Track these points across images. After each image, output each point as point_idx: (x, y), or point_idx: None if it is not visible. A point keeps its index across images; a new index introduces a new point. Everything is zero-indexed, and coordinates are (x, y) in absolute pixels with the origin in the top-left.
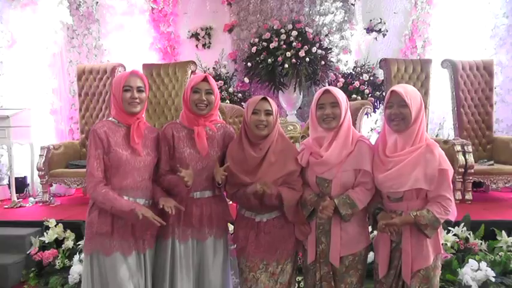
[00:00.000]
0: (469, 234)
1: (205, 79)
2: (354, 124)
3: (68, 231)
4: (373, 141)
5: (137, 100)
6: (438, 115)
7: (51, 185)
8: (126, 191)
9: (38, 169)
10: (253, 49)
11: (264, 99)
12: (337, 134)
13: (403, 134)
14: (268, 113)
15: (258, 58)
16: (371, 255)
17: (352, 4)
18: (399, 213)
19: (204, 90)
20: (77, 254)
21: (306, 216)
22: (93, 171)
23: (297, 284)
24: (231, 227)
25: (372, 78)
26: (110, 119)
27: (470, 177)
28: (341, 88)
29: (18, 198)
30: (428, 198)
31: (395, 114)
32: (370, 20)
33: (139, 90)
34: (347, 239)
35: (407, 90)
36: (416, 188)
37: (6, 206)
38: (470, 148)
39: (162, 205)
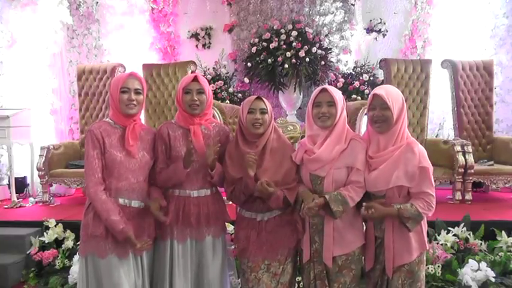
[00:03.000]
0: (469, 234)
1: (195, 79)
2: (354, 124)
3: (68, 231)
4: None
5: (134, 102)
6: (438, 115)
7: (51, 185)
8: (121, 193)
9: (38, 169)
10: (253, 49)
11: (259, 98)
12: (331, 132)
13: (385, 135)
14: (263, 111)
15: (258, 58)
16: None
17: (352, 4)
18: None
19: (195, 90)
20: (77, 254)
21: (298, 210)
22: (94, 171)
23: (296, 284)
24: (230, 227)
25: (371, 78)
26: (107, 119)
27: (470, 178)
28: (341, 88)
29: (18, 198)
30: (411, 195)
31: (377, 116)
32: (370, 20)
33: (137, 92)
34: (340, 238)
35: (389, 93)
36: (397, 186)
37: (6, 206)
38: (470, 148)
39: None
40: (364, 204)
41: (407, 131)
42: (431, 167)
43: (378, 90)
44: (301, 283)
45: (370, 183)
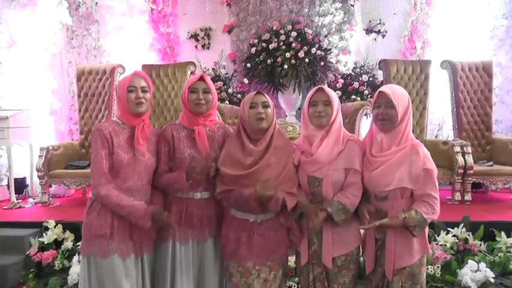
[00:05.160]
0: (469, 235)
1: (201, 78)
2: (354, 124)
3: (67, 232)
4: None
5: (142, 100)
6: (437, 116)
7: (50, 186)
8: (126, 194)
9: (37, 170)
10: (253, 50)
11: (259, 93)
12: (327, 132)
13: (389, 134)
14: (266, 105)
15: (257, 59)
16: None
17: (351, 5)
18: (384, 212)
19: (201, 89)
20: (76, 254)
21: (295, 218)
22: (103, 171)
23: (296, 285)
24: None
25: (371, 79)
26: (115, 119)
27: (470, 178)
28: (340, 89)
29: (17, 199)
30: (415, 197)
31: (382, 114)
32: (370, 21)
33: (144, 90)
34: (339, 239)
35: (395, 91)
36: (400, 188)
37: (6, 207)
38: (469, 149)
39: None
40: (363, 226)
41: (411, 132)
42: (436, 169)
43: (384, 88)
44: (299, 285)
45: (370, 182)
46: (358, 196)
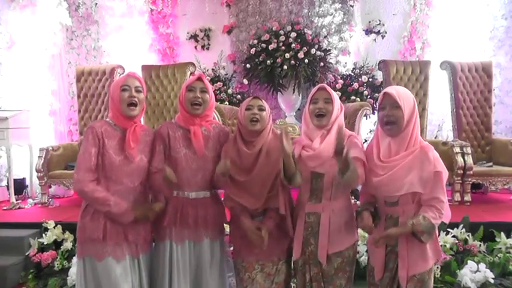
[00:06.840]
0: (468, 235)
1: (199, 78)
2: (353, 125)
3: (67, 232)
4: None
5: (135, 99)
6: (437, 117)
7: (50, 187)
8: (117, 196)
9: (37, 170)
10: (252, 50)
11: (256, 97)
12: (329, 131)
13: (397, 138)
14: (261, 108)
15: (257, 59)
16: (363, 259)
17: (351, 6)
18: (395, 217)
19: (199, 88)
20: (76, 255)
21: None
22: (90, 167)
23: (293, 285)
24: (227, 228)
25: (370, 79)
26: (107, 119)
27: (469, 179)
28: (340, 89)
29: (17, 200)
30: (422, 201)
31: (388, 116)
32: (369, 22)
33: (138, 90)
34: (334, 236)
35: (400, 92)
36: (411, 192)
37: (5, 208)
38: (469, 150)
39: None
40: (377, 238)
41: (419, 135)
42: (446, 172)
43: (389, 89)
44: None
45: (380, 188)
46: (362, 170)
